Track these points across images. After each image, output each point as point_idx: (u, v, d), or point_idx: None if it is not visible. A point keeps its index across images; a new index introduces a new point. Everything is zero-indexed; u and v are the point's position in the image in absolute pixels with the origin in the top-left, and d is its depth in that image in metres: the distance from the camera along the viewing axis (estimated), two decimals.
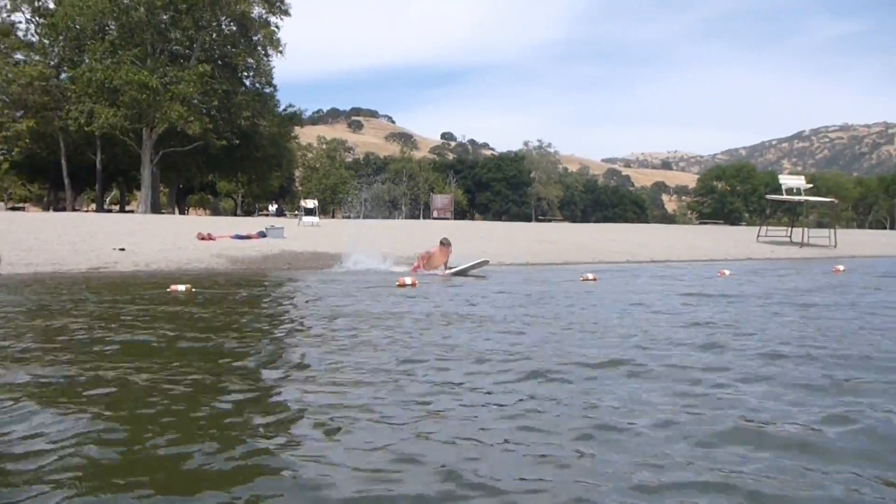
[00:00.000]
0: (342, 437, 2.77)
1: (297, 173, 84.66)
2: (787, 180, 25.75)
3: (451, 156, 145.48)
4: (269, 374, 3.93)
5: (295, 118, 55.61)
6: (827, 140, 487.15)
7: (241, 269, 13.01)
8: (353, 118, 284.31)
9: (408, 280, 9.82)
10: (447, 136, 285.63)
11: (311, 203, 32.03)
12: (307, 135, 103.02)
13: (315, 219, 30.29)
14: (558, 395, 3.37)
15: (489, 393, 3.43)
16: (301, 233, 21.91)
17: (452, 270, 12.67)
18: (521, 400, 3.30)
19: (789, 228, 26.31)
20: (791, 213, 26.51)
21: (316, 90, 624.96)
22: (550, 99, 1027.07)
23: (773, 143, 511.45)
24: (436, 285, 9.93)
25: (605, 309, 6.99)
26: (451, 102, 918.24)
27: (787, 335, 5.34)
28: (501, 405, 3.21)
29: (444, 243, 12.82)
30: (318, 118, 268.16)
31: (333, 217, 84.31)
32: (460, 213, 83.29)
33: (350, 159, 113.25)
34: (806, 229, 24.74)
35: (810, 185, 26.08)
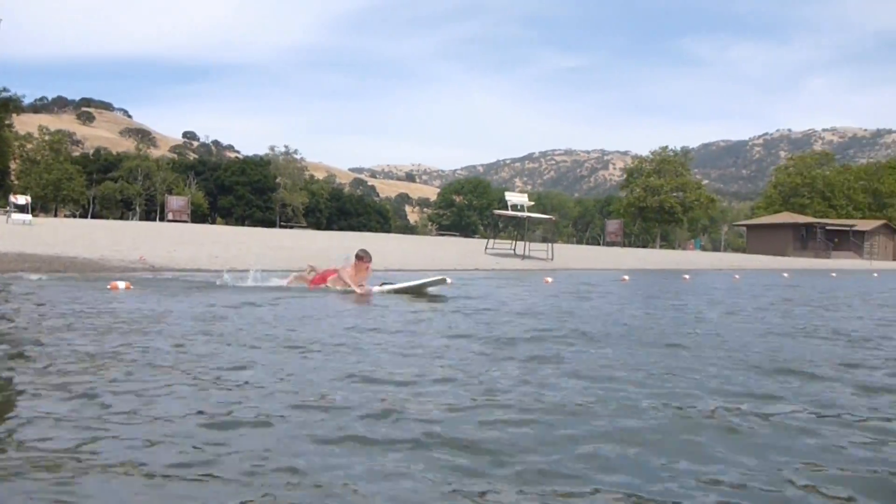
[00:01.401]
0: None
1: (12, 166, 76.14)
2: (511, 197, 27.69)
3: (192, 156, 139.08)
4: None
5: (10, 104, 50.05)
6: (553, 162, 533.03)
7: None
8: (84, 109, 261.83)
9: (121, 284, 9.06)
10: (189, 136, 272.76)
11: (22, 199, 29.20)
12: (27, 124, 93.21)
13: (27, 216, 27.54)
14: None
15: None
16: (8, 231, 19.67)
17: (392, 287, 10.43)
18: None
19: (514, 242, 28.27)
20: (519, 228, 28.42)
21: (39, 75, 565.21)
22: (299, 105, 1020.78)
23: (507, 162, 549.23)
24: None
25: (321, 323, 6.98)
26: (195, 100, 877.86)
27: (472, 329, 5.67)
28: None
29: (361, 256, 10.31)
30: (42, 106, 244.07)
31: (56, 216, 76.93)
32: (200, 217, 79.86)
33: (78, 153, 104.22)
34: (528, 243, 26.70)
35: (532, 203, 28.24)
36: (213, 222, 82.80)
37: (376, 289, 10.23)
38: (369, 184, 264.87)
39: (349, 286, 10.13)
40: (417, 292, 10.37)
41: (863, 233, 73.76)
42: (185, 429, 2.81)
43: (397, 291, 10.32)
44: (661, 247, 79.33)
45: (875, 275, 30.48)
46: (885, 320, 8.78)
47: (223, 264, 14.98)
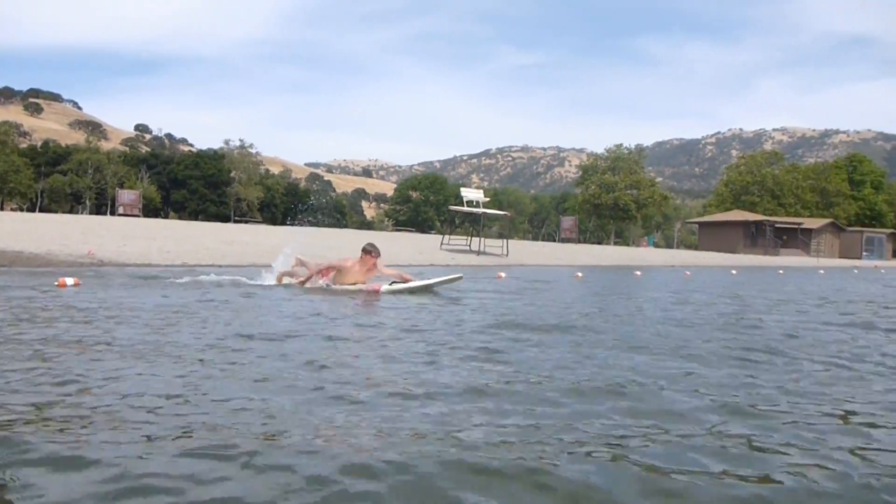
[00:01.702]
0: None
1: None
2: (467, 193, 27.84)
3: (145, 149, 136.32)
4: None
5: None
6: (510, 159, 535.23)
7: None
8: (31, 100, 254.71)
9: (69, 280, 8.83)
10: (142, 129, 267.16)
11: None
12: None
13: None
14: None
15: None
16: None
17: (404, 286, 9.54)
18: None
19: (469, 238, 28.43)
20: (474, 224, 28.56)
21: None
22: (255, 98, 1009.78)
23: (464, 158, 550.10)
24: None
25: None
26: (147, 92, 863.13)
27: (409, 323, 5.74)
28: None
29: (369, 250, 9.62)
30: None
31: (2, 209, 74.93)
32: (152, 211, 78.51)
33: (25, 145, 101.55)
34: (483, 239, 26.88)
35: (488, 199, 28.43)
36: (166, 217, 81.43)
37: (385, 287, 9.37)
38: (326, 178, 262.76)
39: (354, 283, 9.41)
40: (426, 291, 9.65)
41: (810, 231, 75.56)
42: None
43: (411, 291, 9.50)
44: (616, 243, 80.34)
45: (821, 272, 31.31)
46: (780, 311, 9.06)
47: (174, 259, 14.85)
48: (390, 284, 9.49)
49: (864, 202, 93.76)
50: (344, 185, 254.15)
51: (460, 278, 10.19)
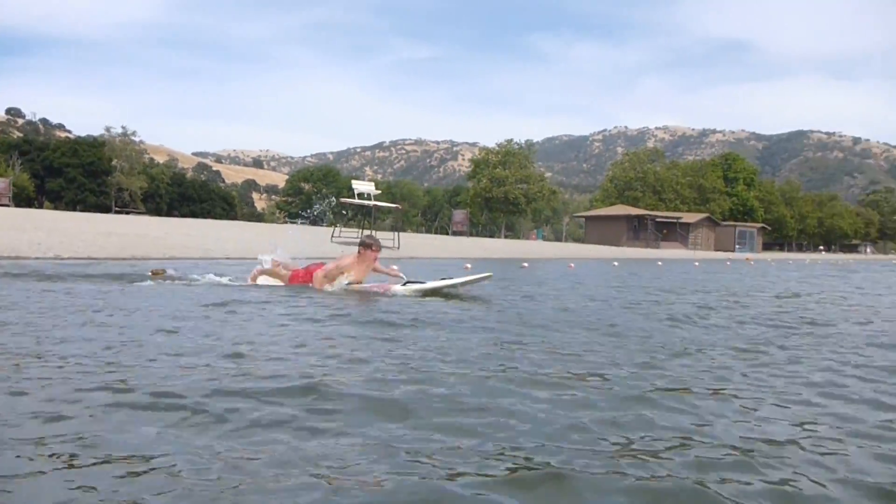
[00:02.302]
0: None
1: None
2: (358, 185, 27.64)
3: (17, 134, 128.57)
4: None
5: None
6: (404, 152, 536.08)
7: None
8: None
9: None
10: (14, 112, 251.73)
11: None
12: None
13: None
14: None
15: None
16: None
17: (423, 286, 8.28)
18: None
19: (360, 230, 28.28)
20: (366, 217, 28.47)
21: None
22: (139, 84, 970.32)
23: (358, 150, 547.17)
24: None
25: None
26: (20, 74, 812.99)
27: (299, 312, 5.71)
28: None
29: (369, 244, 8.46)
30: None
31: None
32: (25, 201, 74.18)
33: None
34: (374, 232, 26.78)
35: (379, 192, 28.33)
36: (41, 206, 77.10)
37: (398, 288, 8.23)
38: (214, 169, 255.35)
39: (354, 281, 8.35)
40: (436, 293, 8.32)
41: (688, 225, 79.31)
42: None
43: (429, 292, 8.26)
44: (507, 237, 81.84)
45: (696, 264, 32.86)
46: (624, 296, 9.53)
47: (46, 251, 14.14)
48: (403, 285, 8.30)
49: (738, 198, 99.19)
50: (234, 175, 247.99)
51: (489, 277, 8.80)
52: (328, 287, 8.29)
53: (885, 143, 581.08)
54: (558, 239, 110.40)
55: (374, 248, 8.44)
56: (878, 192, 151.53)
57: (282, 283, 8.80)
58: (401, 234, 28.66)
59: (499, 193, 72.23)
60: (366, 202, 26.55)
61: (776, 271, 25.15)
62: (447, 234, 74.53)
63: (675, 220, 78.33)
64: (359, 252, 8.45)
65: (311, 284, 8.55)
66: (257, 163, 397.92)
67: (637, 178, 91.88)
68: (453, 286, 8.44)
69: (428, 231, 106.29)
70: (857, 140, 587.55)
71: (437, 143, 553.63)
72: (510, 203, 73.48)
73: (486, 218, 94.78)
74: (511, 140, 77.28)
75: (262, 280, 8.98)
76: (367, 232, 27.23)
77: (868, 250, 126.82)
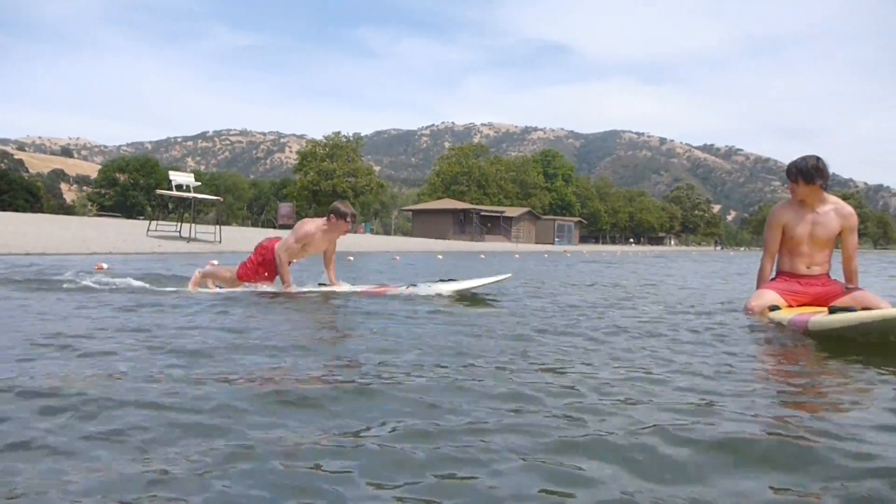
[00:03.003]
0: None
1: None
2: (176, 177, 26.49)
3: None
4: None
5: None
6: (228, 142, 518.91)
7: None
8: None
9: None
10: None
11: None
12: None
13: None
14: None
15: None
16: None
17: (438, 288, 6.82)
18: None
19: (179, 224, 27.19)
20: (188, 210, 27.35)
21: None
22: None
23: (179, 140, 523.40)
24: None
25: None
26: None
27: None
28: None
29: (343, 213, 7.09)
30: None
31: None
32: None
33: None
34: (193, 225, 25.84)
35: (199, 184, 27.33)
36: None
37: (403, 290, 6.84)
38: (17, 157, 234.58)
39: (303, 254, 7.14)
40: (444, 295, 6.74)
41: (511, 219, 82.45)
42: None
43: (461, 292, 6.83)
44: None
45: (516, 256, 34.27)
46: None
47: None
48: (406, 288, 6.87)
49: (557, 193, 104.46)
50: (39, 165, 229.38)
51: (508, 278, 7.41)
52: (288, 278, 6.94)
53: (688, 144, 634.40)
54: (387, 232, 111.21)
55: (348, 219, 7.06)
56: (681, 189, 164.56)
57: (227, 286, 7.30)
58: (224, 227, 27.79)
59: (326, 187, 71.64)
60: (185, 194, 25.54)
61: (573, 262, 26.72)
62: (274, 227, 73.02)
63: (498, 214, 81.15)
64: (328, 219, 7.10)
65: (262, 273, 7.13)
66: (66, 151, 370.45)
67: (463, 173, 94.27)
68: (471, 289, 6.95)
69: (254, 225, 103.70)
70: (663, 140, 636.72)
71: (264, 134, 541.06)
72: (338, 196, 73.11)
73: (315, 211, 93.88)
74: (339, 133, 76.91)
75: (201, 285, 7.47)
76: (186, 225, 26.23)
77: (672, 242, 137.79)
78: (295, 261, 7.30)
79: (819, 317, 4.29)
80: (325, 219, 7.14)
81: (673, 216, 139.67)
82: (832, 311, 4.24)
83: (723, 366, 3.45)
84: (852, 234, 5.35)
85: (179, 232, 26.32)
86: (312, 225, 7.11)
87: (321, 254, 7.33)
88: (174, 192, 25.60)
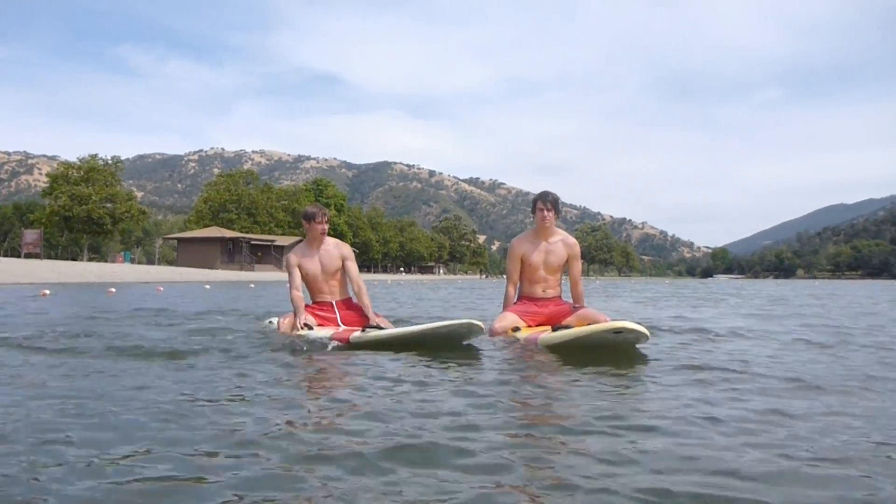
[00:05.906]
0: None
1: None
2: None
3: None
4: None
5: None
6: None
7: None
8: None
9: None
10: None
11: None
12: None
13: None
14: None
15: None
16: None
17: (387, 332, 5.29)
18: None
19: None
20: None
21: None
22: None
23: None
24: None
25: None
26: None
27: None
28: None
29: (311, 215, 6.32)
30: None
31: None
32: None
33: None
34: None
35: None
36: None
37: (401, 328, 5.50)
38: None
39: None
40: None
41: (282, 247, 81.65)
42: None
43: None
44: (92, 259, 75.91)
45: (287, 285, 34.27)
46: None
47: None
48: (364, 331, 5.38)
49: (330, 223, 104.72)
50: None
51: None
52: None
53: (455, 177, 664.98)
54: (151, 261, 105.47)
55: (317, 220, 6.34)
56: (449, 220, 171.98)
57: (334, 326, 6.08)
58: None
59: (81, 212, 66.64)
60: None
61: None
62: (19, 256, 66.64)
63: (269, 243, 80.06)
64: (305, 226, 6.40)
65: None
66: None
67: (232, 201, 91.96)
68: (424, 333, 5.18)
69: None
70: (432, 172, 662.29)
71: (9, 153, 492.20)
72: (94, 223, 68.32)
73: (68, 239, 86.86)
74: (96, 155, 71.97)
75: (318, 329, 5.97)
76: None
77: (441, 271, 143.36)
78: (321, 297, 6.48)
79: (545, 335, 5.37)
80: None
81: (441, 246, 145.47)
82: (555, 329, 5.35)
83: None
84: (577, 260, 6.34)
85: None
86: (291, 248, 5.78)
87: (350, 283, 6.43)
88: None
